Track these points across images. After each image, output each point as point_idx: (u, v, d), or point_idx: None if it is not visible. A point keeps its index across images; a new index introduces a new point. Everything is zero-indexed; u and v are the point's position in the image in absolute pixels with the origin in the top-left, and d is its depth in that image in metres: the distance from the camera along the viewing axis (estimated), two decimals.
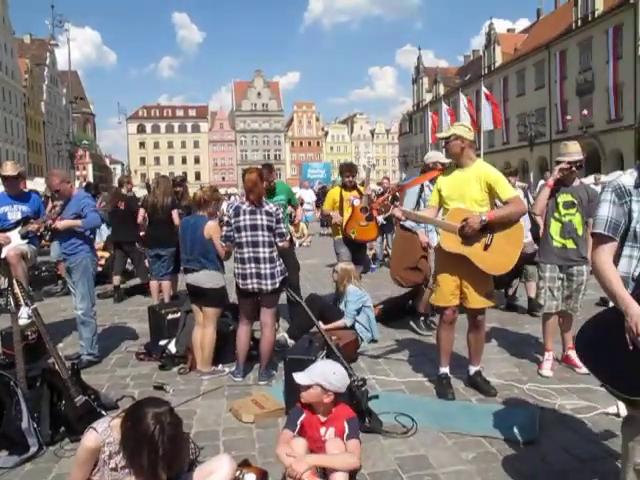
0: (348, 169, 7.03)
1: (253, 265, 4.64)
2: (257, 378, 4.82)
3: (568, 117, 38.54)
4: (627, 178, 2.40)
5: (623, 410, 2.68)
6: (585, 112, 36.06)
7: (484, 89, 32.01)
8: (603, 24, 37.56)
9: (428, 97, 64.47)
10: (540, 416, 3.86)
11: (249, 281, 4.66)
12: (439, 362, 4.46)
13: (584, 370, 4.74)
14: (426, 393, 4.46)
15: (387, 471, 3.24)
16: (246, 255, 4.65)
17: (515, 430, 3.63)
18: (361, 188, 6.86)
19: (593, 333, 2.32)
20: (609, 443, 3.44)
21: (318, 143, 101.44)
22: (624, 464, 2.38)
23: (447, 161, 5.77)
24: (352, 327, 5.71)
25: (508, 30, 61.19)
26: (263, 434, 3.75)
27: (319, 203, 19.73)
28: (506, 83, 48.27)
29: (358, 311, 5.81)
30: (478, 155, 5.54)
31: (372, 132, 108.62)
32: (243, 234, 4.65)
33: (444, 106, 37.25)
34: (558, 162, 4.79)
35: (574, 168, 4.74)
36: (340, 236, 6.79)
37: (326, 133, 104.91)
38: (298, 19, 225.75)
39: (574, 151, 4.76)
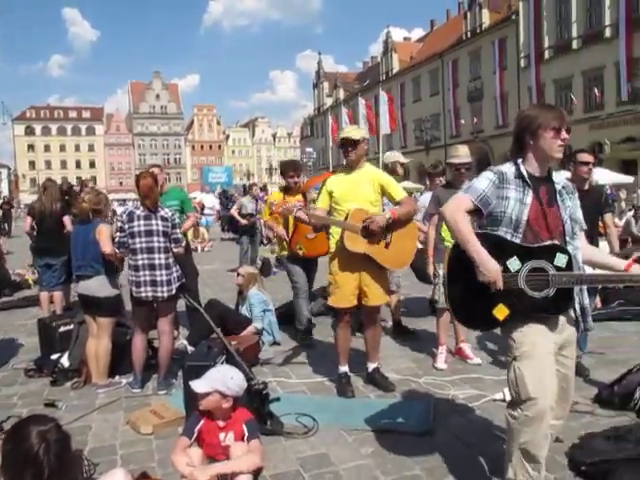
0: (292, 167, 5.92)
1: (147, 272, 4.50)
2: (156, 388, 4.68)
3: (462, 121, 40.51)
4: (508, 168, 2.60)
5: (508, 395, 2.88)
6: (475, 119, 38.23)
7: (383, 93, 33.02)
8: (490, 36, 39.94)
9: (329, 101, 65.54)
10: (435, 407, 4.04)
11: (143, 289, 4.52)
12: (338, 361, 4.54)
13: (475, 361, 5.05)
14: (327, 393, 4.53)
15: (289, 472, 3.26)
16: (140, 262, 4.50)
17: (412, 422, 3.78)
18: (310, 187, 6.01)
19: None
20: (497, 427, 3.66)
21: (219, 147, 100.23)
22: (509, 445, 2.55)
23: (406, 161, 5.84)
24: (246, 321, 5.67)
25: (404, 39, 63.54)
26: (163, 445, 3.64)
27: (227, 206, 19.47)
28: (403, 89, 50.07)
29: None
30: (378, 158, 5.70)
31: (274, 136, 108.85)
32: (137, 240, 4.50)
33: (344, 110, 38.06)
34: (449, 164, 5.03)
35: (463, 170, 4.98)
36: (286, 252, 5.97)
37: (227, 137, 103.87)
38: (198, 20, 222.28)
39: (463, 154, 5.01)
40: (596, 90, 31.70)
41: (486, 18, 40.99)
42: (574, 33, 33.92)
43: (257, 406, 3.65)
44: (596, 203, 4.49)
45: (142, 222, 4.50)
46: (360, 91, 51.12)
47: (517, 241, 2.52)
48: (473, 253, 2.47)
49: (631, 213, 13.41)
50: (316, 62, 71.13)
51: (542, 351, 2.48)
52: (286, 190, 5.96)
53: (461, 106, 42.90)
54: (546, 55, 35.72)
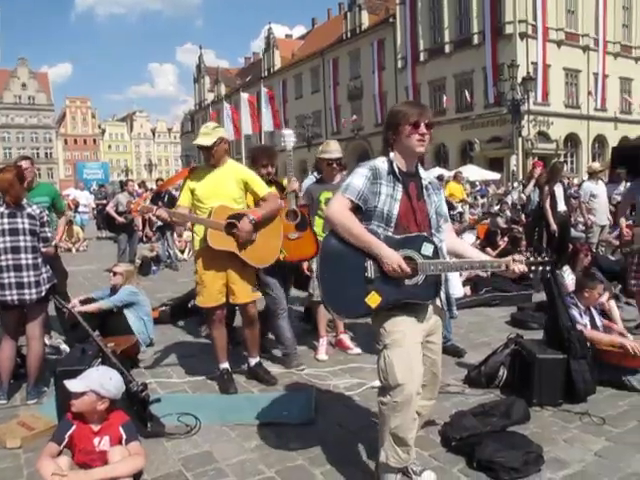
0: (266, 155, 5.03)
1: (13, 274, 4.17)
2: (25, 398, 4.36)
3: (352, 118, 41.33)
4: (381, 164, 2.68)
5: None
6: (354, 117, 39.36)
7: (265, 90, 32.97)
8: (369, 37, 41.25)
9: (210, 97, 64.48)
10: (316, 397, 4.12)
11: (8, 292, 4.18)
12: (218, 359, 4.50)
13: (355, 351, 5.21)
14: (209, 390, 4.47)
15: (171, 473, 3.18)
16: (4, 263, 4.16)
17: (294, 413, 3.83)
18: (284, 182, 5.11)
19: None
20: (376, 414, 3.80)
21: (95, 141, 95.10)
22: (381, 429, 2.66)
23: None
24: (130, 330, 5.39)
25: (286, 36, 64.02)
26: (33, 458, 3.37)
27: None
28: (285, 86, 50.39)
29: (126, 306, 5.50)
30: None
31: (153, 131, 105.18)
32: (0, 239, 4.17)
33: (226, 105, 37.53)
34: (320, 159, 5.10)
35: (335, 165, 5.08)
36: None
37: (103, 131, 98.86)
38: (68, 4, 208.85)
39: (334, 149, 5.10)
40: (466, 92, 33.77)
41: (365, 19, 42.28)
42: (446, 38, 35.91)
43: (137, 408, 3.54)
44: None
45: (6, 220, 4.17)
46: (242, 87, 50.76)
47: (389, 234, 2.62)
48: (373, 248, 2.53)
49: (497, 207, 14.44)
50: (197, 56, 69.78)
51: (411, 340, 2.60)
52: None
53: (342, 104, 43.99)
54: (421, 57, 37.53)
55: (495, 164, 31.08)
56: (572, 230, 8.71)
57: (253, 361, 4.60)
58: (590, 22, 34.67)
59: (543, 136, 32.83)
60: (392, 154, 2.70)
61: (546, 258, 2.61)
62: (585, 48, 34.78)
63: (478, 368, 4.37)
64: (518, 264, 2.61)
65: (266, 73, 53.46)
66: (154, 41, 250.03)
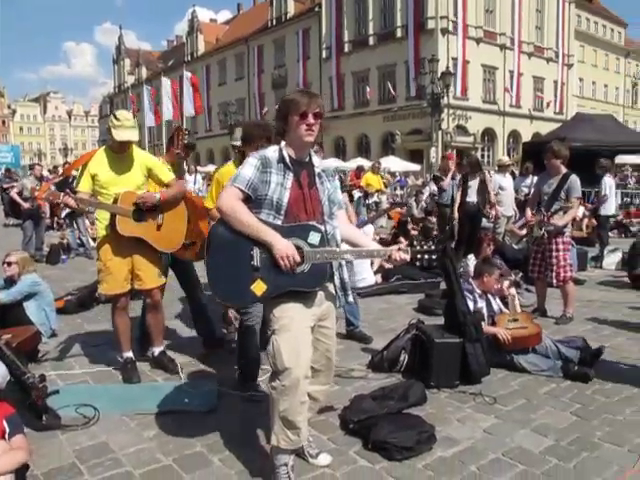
0: (265, 133, 4.04)
1: None
2: None
3: (265, 109, 41.22)
4: (271, 153, 2.70)
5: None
6: (277, 107, 39.13)
7: (188, 74, 32.16)
8: (294, 26, 41.16)
9: (130, 80, 62.40)
10: (219, 386, 4.11)
11: None
12: (121, 348, 4.41)
13: None
14: (113, 381, 4.36)
15: (63, 466, 3.09)
16: None
17: (196, 402, 3.81)
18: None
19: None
20: None
21: (4, 122, 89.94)
22: (271, 413, 2.70)
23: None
24: (29, 320, 5.15)
25: (211, 20, 62.75)
26: None
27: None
28: (209, 71, 49.57)
29: (27, 297, 5.23)
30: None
31: (69, 113, 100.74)
32: None
33: (147, 89, 36.32)
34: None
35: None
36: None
37: (14, 112, 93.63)
38: None
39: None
40: (389, 85, 34.42)
41: (291, 7, 42.17)
42: (371, 30, 36.43)
43: (30, 402, 3.41)
44: None
45: None
46: (164, 71, 49.45)
47: (278, 223, 2.63)
48: (264, 237, 2.54)
49: (413, 198, 14.85)
50: (117, 37, 67.23)
51: (299, 325, 2.63)
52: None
53: (266, 92, 43.74)
54: (346, 48, 37.86)
55: (416, 156, 31.93)
56: (484, 220, 9.06)
57: (157, 350, 4.53)
58: (507, 22, 36.17)
59: (462, 130, 34.03)
60: (283, 143, 2.72)
61: (432, 247, 2.71)
62: (502, 46, 36.28)
63: (381, 353, 4.50)
64: (402, 253, 2.69)
65: (189, 58, 52.33)
66: (70, 18, 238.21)
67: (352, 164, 23.55)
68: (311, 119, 2.63)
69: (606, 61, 49.91)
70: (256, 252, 2.58)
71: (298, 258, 2.55)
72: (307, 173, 2.74)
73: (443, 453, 3.20)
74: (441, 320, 4.72)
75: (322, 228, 2.66)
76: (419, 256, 2.70)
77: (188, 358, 4.77)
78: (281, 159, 2.67)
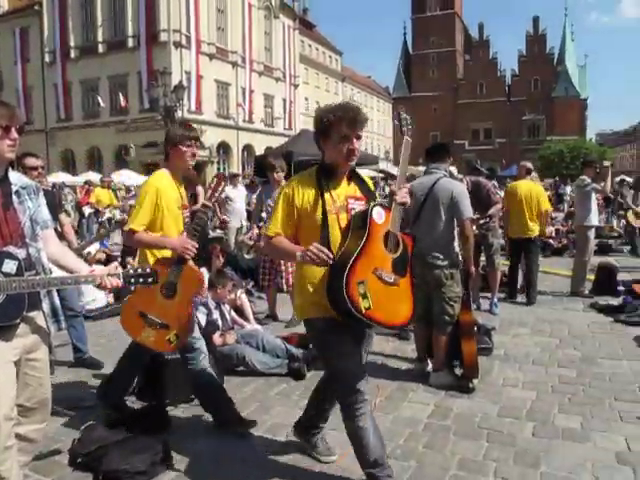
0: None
1: None
2: None
3: None
4: None
5: None
6: None
7: None
8: (10, 23, 37.08)
9: None
10: None
11: None
12: None
13: None
14: None
15: None
16: None
17: None
18: None
19: None
20: None
21: None
22: None
23: None
24: None
25: None
26: None
27: None
28: None
29: None
30: None
31: None
32: None
33: None
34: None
35: None
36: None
37: None
38: None
39: None
40: (121, 95, 33.14)
41: (5, 2, 37.94)
42: (100, 37, 34.68)
43: None
44: None
45: None
46: None
47: None
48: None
49: None
50: None
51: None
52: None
53: None
54: (72, 54, 35.43)
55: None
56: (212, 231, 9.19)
57: None
58: (238, 41, 37.71)
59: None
60: None
61: (144, 271, 2.56)
62: (234, 64, 37.67)
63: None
64: (114, 278, 2.50)
65: None
66: None
67: (82, 178, 21.99)
68: (14, 134, 2.36)
69: (327, 83, 55.37)
70: None
71: None
72: (1, 192, 2.41)
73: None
74: None
75: (20, 254, 2.37)
76: (132, 280, 2.56)
77: None
78: None
